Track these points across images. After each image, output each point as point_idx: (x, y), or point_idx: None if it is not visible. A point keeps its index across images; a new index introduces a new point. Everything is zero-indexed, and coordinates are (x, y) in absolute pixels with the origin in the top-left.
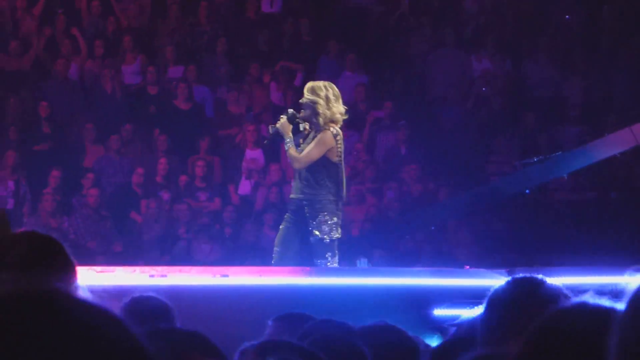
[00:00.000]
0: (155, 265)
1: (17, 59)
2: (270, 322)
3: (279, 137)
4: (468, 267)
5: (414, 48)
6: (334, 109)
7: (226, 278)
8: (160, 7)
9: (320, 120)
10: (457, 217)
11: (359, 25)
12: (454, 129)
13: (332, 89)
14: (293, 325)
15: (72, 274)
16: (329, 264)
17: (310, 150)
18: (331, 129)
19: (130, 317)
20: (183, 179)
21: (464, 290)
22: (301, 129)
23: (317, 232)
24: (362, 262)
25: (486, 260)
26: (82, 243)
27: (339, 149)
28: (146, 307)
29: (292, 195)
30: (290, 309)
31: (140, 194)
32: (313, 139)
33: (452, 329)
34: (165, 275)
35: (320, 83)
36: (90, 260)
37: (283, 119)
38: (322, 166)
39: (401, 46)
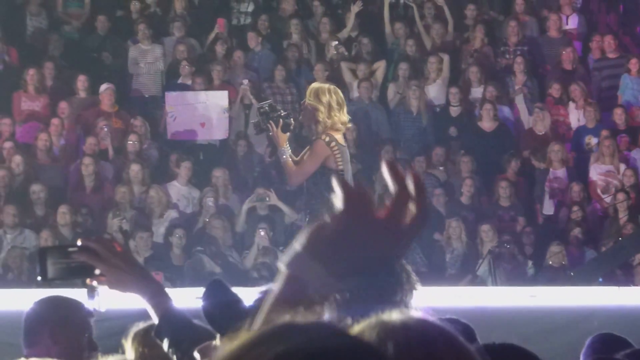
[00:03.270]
0: (458, 285)
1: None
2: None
3: (262, 130)
4: None
5: None
6: (335, 118)
7: (533, 298)
8: (463, 27)
9: (319, 128)
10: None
11: None
12: None
13: (336, 95)
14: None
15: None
16: None
17: (303, 164)
18: (324, 137)
19: None
20: (486, 199)
21: None
22: (289, 125)
23: None
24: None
25: None
26: None
27: (338, 156)
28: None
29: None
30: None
31: (444, 214)
32: (309, 149)
33: None
34: (474, 297)
35: (325, 87)
36: None
37: (263, 109)
38: (322, 175)
39: None
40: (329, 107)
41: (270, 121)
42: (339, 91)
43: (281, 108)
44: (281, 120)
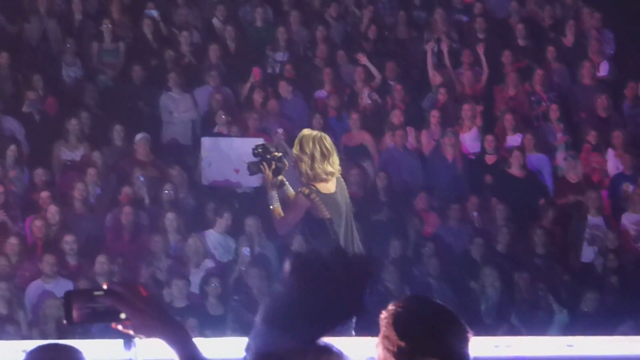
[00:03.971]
0: (493, 335)
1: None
2: None
3: (255, 172)
4: None
5: None
6: (318, 170)
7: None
8: (497, 75)
9: (303, 179)
10: None
11: None
12: None
13: (321, 145)
14: None
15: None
16: None
17: (285, 215)
18: (304, 189)
19: None
20: (521, 247)
21: None
22: (281, 169)
23: None
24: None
25: None
26: None
27: (321, 206)
28: None
29: None
30: None
31: (479, 262)
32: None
33: None
34: (510, 346)
35: (311, 137)
36: None
37: (257, 150)
38: (305, 226)
39: None
40: (312, 158)
41: (264, 162)
42: (327, 139)
43: (275, 150)
44: (274, 162)
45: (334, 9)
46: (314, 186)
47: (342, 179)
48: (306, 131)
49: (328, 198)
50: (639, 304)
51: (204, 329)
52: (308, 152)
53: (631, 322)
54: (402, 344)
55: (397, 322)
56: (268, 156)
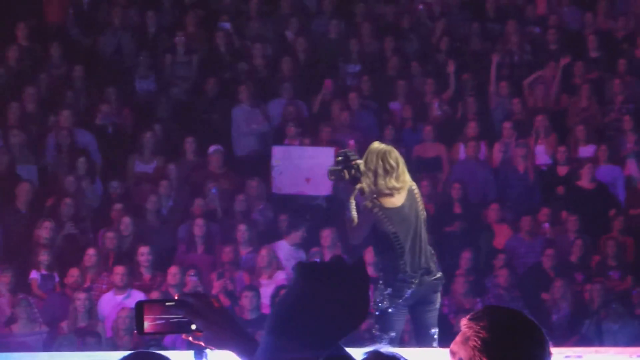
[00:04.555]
0: (564, 346)
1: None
2: None
3: (337, 178)
4: None
5: None
6: (381, 185)
7: None
8: (569, 86)
9: (366, 193)
10: None
11: None
12: None
13: (384, 161)
14: None
15: None
16: (378, 340)
17: (356, 227)
18: (368, 203)
19: None
20: (596, 259)
21: None
22: (358, 179)
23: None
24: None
25: None
26: None
27: (385, 220)
28: None
29: None
30: None
31: (551, 274)
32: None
33: None
34: (581, 356)
35: (375, 152)
36: None
37: (340, 157)
38: (373, 238)
39: None
40: (375, 174)
41: (345, 170)
42: (392, 153)
43: (357, 157)
44: (353, 170)
45: (407, 21)
46: (377, 200)
47: (415, 191)
48: (374, 145)
49: (392, 212)
50: None
51: None
52: (372, 168)
53: None
54: None
55: (488, 350)
56: (348, 164)
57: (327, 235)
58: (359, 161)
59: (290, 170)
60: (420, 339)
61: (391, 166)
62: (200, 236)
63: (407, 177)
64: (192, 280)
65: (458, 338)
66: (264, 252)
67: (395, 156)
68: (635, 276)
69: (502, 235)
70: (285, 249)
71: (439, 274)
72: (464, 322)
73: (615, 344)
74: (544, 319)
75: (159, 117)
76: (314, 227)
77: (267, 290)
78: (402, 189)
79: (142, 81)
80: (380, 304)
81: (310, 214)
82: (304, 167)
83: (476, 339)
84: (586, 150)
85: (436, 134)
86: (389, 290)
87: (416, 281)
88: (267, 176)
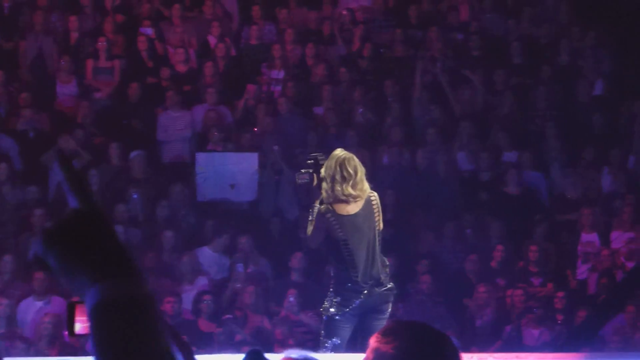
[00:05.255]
0: (487, 351)
1: None
2: None
3: (305, 181)
4: None
5: None
6: (337, 192)
7: None
8: (492, 93)
9: (323, 198)
10: None
11: None
12: None
13: (343, 168)
14: None
15: None
16: (322, 344)
17: (310, 231)
18: (322, 208)
19: None
20: (516, 264)
21: None
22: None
23: (322, 307)
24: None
25: None
26: None
27: (336, 227)
28: None
29: None
30: None
31: (474, 279)
32: None
33: None
34: None
35: (335, 158)
36: None
37: (311, 160)
38: (327, 244)
39: None
40: (333, 180)
41: (315, 174)
42: (351, 162)
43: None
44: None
45: (330, 27)
46: (331, 206)
47: (374, 202)
48: (336, 151)
49: (345, 219)
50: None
51: (195, 346)
52: (330, 174)
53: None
54: None
55: None
56: (319, 168)
57: (244, 240)
58: (316, 156)
59: (215, 177)
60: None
61: (349, 174)
62: None
63: (365, 185)
64: None
65: (368, 353)
66: (185, 258)
67: (354, 164)
68: (556, 282)
69: (425, 241)
70: (208, 255)
71: (390, 285)
72: (373, 338)
73: (537, 349)
74: (467, 325)
75: (80, 123)
76: (236, 233)
77: (188, 296)
78: (358, 198)
79: (64, 86)
80: (328, 310)
81: (234, 221)
82: (228, 173)
83: (384, 353)
84: (509, 156)
85: (360, 139)
86: (338, 298)
87: (365, 292)
88: (191, 182)
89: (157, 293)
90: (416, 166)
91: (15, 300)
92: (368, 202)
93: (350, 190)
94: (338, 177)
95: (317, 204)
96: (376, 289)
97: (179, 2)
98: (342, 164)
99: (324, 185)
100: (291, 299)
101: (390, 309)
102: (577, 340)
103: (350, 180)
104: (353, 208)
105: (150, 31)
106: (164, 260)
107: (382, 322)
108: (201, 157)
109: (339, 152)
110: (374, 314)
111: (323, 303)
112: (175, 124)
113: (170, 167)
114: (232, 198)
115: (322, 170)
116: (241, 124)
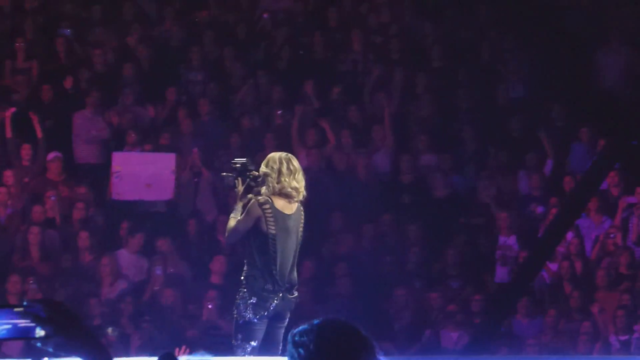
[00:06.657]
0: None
1: None
2: None
3: (229, 185)
4: None
5: None
6: (284, 183)
7: None
8: (410, 94)
9: (269, 192)
10: None
11: (610, 111)
12: None
13: (288, 162)
14: None
15: None
16: (239, 349)
17: (237, 222)
18: (260, 198)
19: None
20: (434, 267)
21: None
22: (252, 187)
23: (234, 310)
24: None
25: None
26: None
27: (270, 220)
28: None
29: None
30: None
31: (391, 282)
32: None
33: None
34: None
35: (278, 155)
36: None
37: (237, 165)
38: (251, 238)
39: None
40: (279, 172)
41: (239, 177)
42: (294, 159)
43: (254, 169)
44: (248, 180)
45: (250, 29)
46: (270, 198)
47: (302, 211)
48: (273, 153)
49: (280, 215)
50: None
51: (112, 348)
52: (275, 168)
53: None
54: None
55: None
56: (245, 173)
57: (162, 243)
58: (256, 173)
59: (131, 176)
60: (268, 353)
61: (295, 168)
62: (37, 244)
63: (303, 188)
64: (32, 288)
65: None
66: (105, 260)
67: (296, 163)
68: (474, 285)
69: (344, 244)
70: (127, 257)
71: (296, 294)
72: (290, 336)
73: (455, 352)
74: (385, 328)
75: None
76: (154, 235)
77: (108, 298)
78: (297, 198)
79: None
80: (244, 313)
81: (151, 222)
82: (145, 173)
83: (302, 351)
84: (427, 159)
85: (278, 142)
86: (254, 299)
87: (281, 295)
88: (107, 183)
89: (76, 296)
90: (334, 168)
91: None
92: (299, 209)
93: (295, 183)
94: (284, 169)
95: (239, 204)
96: (287, 295)
97: (99, 3)
98: (287, 159)
99: (269, 180)
100: (210, 306)
101: (288, 318)
102: (483, 334)
103: (296, 173)
104: (290, 208)
105: (68, 32)
106: (82, 263)
107: (282, 330)
108: (117, 157)
109: (277, 153)
110: (276, 321)
111: (234, 305)
112: (91, 125)
113: (87, 168)
114: (148, 198)
115: (263, 167)
116: (161, 125)
